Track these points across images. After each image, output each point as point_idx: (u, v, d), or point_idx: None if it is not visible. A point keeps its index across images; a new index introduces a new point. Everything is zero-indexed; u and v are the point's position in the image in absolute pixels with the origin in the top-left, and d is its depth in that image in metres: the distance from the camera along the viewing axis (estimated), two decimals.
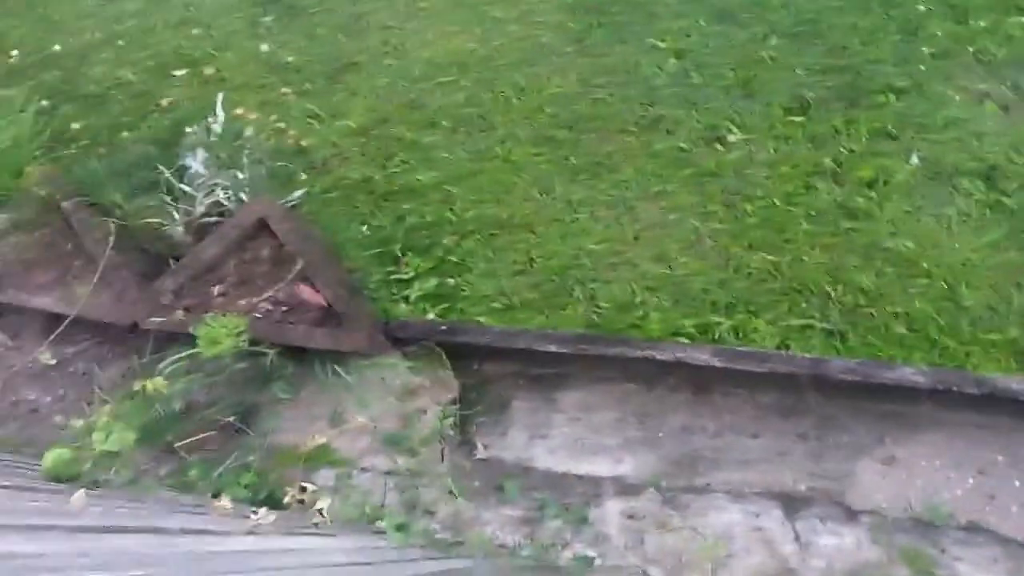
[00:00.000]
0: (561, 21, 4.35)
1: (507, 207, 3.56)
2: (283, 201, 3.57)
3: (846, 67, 3.81)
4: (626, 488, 3.03)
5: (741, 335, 3.12)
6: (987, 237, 3.26)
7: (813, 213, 3.39)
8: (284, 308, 3.07)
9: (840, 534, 2.84)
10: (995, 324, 3.05)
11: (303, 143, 3.99)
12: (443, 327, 3.17)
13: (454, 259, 3.41)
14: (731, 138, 3.66)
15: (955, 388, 2.85)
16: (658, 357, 2.99)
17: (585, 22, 4.31)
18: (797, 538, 2.82)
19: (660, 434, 3.16)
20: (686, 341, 3.08)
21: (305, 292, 3.10)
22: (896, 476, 3.09)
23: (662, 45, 4.11)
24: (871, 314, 3.10)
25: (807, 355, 2.99)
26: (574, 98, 3.95)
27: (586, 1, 4.41)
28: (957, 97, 3.67)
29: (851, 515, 2.94)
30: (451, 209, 3.58)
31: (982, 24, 3.89)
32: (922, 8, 3.97)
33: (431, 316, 3.26)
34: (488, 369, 3.24)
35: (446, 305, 3.29)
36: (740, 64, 3.95)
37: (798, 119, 3.68)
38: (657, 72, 3.99)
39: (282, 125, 4.11)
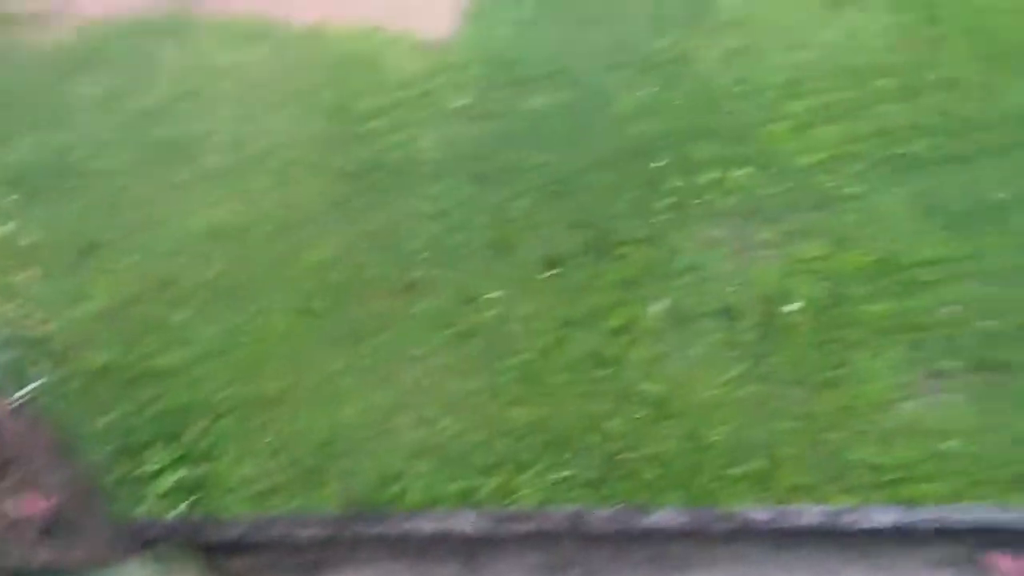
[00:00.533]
0: (322, 189, 4.49)
1: (261, 384, 3.51)
2: (14, 397, 3.35)
3: (592, 222, 4.14)
4: None
5: (505, 495, 3.18)
6: (728, 374, 3.55)
7: (568, 364, 3.57)
8: (3, 523, 2.84)
9: None
10: (739, 457, 3.28)
11: (44, 330, 3.81)
12: (191, 523, 3.02)
13: (204, 445, 3.29)
14: (488, 296, 3.84)
15: (706, 526, 3.01)
16: (422, 530, 2.99)
17: (345, 188, 4.47)
18: None
19: None
20: (449, 508, 3.10)
21: (30, 501, 2.88)
22: None
23: (421, 208, 4.32)
24: (626, 460, 3.26)
25: (567, 509, 3.07)
26: (333, 265, 4.03)
27: (346, 167, 4.59)
28: (692, 244, 4.05)
29: None
30: (201, 391, 3.49)
31: (710, 177, 4.35)
32: (656, 165, 4.41)
33: (180, 510, 3.11)
34: (242, 563, 3.09)
35: (196, 496, 3.15)
36: (495, 224, 4.20)
37: (551, 273, 3.92)
38: (416, 235, 4.17)
39: (22, 312, 3.92)
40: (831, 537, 3.13)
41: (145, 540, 3.01)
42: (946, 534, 3.11)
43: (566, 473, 3.24)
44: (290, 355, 3.62)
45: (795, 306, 3.74)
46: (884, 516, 3.08)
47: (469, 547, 3.12)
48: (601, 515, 3.04)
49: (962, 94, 4.83)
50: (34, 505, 2.85)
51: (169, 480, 3.19)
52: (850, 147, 4.51)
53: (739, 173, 4.39)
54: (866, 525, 3.06)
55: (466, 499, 3.14)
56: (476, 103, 4.96)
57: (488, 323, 3.73)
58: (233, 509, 3.13)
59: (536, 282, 3.88)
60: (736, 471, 3.23)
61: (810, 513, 3.09)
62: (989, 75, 4.96)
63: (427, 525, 3.00)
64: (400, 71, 5.26)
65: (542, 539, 3.08)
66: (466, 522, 3.01)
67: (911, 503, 3.13)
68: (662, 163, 4.44)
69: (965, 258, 3.88)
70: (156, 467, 3.23)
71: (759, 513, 3.07)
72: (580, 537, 3.08)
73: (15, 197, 4.60)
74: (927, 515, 3.07)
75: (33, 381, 3.51)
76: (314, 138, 4.78)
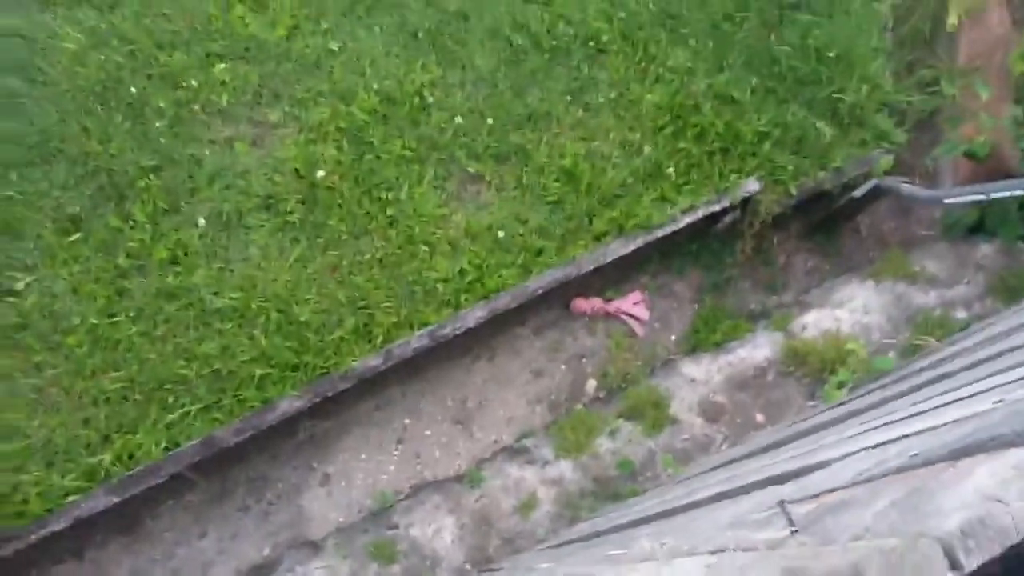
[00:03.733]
0: None
1: None
2: None
3: (95, 170, 4.29)
4: None
5: (130, 458, 3.45)
6: (293, 255, 4.04)
7: (134, 314, 3.82)
8: None
9: (311, 574, 3.39)
10: (332, 323, 3.84)
11: None
12: None
13: None
14: (20, 285, 3.90)
15: (327, 394, 3.54)
16: (56, 529, 3.18)
17: None
18: None
19: None
20: (75, 497, 3.31)
21: None
22: (338, 489, 3.75)
23: None
24: (232, 372, 3.67)
25: (193, 441, 3.43)
26: None
27: None
28: (208, 152, 4.39)
29: (317, 548, 3.51)
30: None
31: (194, 83, 4.65)
32: (135, 89, 4.59)
33: None
34: None
35: None
36: None
37: (76, 236, 4.05)
38: None
39: None
40: (442, 349, 3.83)
41: None
42: (534, 304, 3.95)
43: (180, 412, 3.58)
44: None
45: (326, 170, 4.29)
46: (476, 313, 3.83)
47: (119, 522, 3.40)
48: (229, 431, 3.44)
49: None
50: None
51: None
52: (308, 9, 5.00)
53: (220, 68, 4.73)
54: (465, 327, 3.80)
55: (89, 482, 3.36)
56: None
57: (34, 310, 3.82)
58: None
59: (65, 250, 4.00)
60: (335, 336, 3.80)
61: (417, 339, 3.75)
62: None
63: (58, 523, 3.20)
64: None
65: (188, 478, 3.44)
66: (95, 503, 3.25)
67: (496, 292, 3.92)
68: (141, 86, 4.63)
69: (453, 71, 4.67)
70: None
71: (373, 360, 3.67)
72: (221, 459, 3.48)
73: None
74: (507, 298, 3.87)
75: None
76: None
